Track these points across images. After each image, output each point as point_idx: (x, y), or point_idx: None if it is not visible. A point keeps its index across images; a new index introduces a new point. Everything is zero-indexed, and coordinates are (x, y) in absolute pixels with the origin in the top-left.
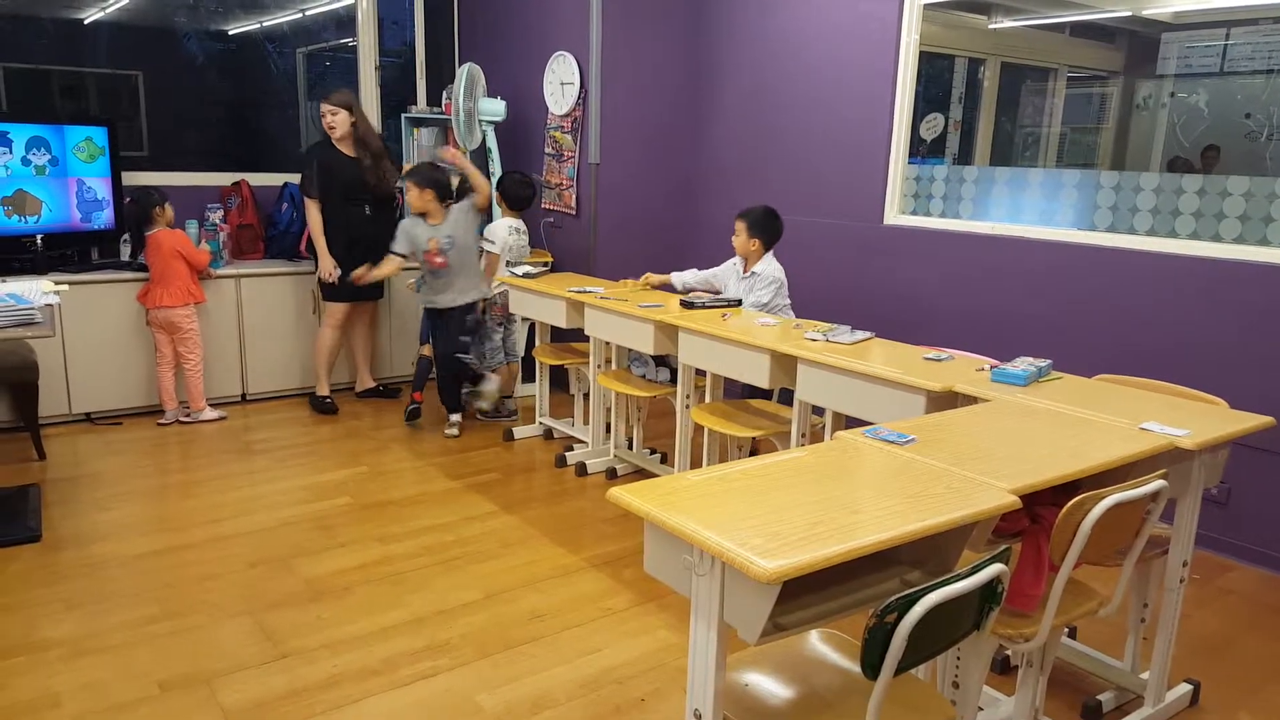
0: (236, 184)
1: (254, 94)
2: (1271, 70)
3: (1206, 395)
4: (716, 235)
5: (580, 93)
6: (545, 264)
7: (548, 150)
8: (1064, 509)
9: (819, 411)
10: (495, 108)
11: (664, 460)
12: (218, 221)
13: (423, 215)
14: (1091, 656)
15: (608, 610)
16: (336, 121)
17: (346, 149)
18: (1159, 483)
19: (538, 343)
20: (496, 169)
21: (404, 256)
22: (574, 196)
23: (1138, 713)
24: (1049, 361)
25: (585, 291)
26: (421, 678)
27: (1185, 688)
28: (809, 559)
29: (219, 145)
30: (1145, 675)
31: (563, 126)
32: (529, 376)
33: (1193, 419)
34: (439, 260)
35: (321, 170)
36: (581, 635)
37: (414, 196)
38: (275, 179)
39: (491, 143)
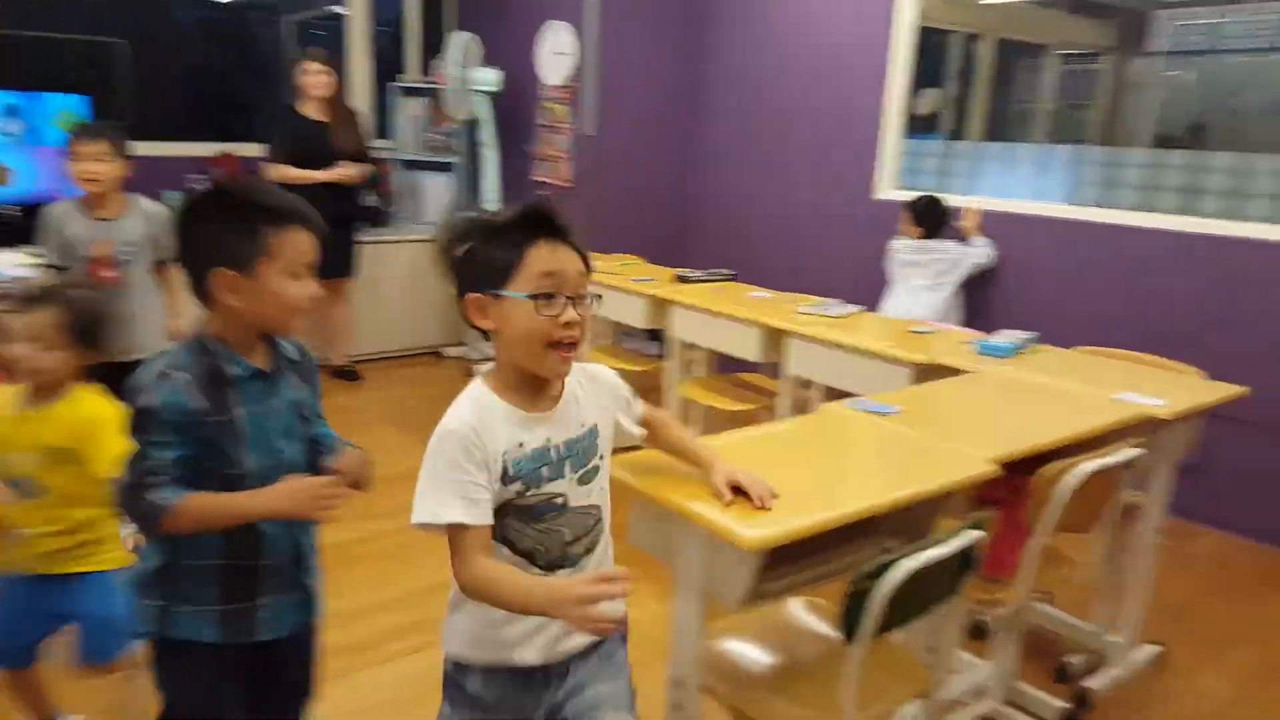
0: (223, 154)
1: (242, 63)
2: (1262, 49)
3: (1183, 365)
4: (715, 209)
5: (576, 64)
6: None
7: (542, 121)
8: (1041, 477)
9: (809, 385)
10: (489, 78)
11: None
12: None
13: None
14: (1065, 621)
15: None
16: (324, 83)
17: (316, 112)
18: (1134, 451)
19: None
20: (489, 140)
21: None
22: (568, 169)
23: (1106, 672)
24: (1034, 334)
25: None
26: (409, 653)
27: (1153, 649)
28: (791, 528)
29: (203, 115)
30: (1116, 638)
31: (557, 98)
32: None
33: (1169, 389)
34: None
35: (291, 140)
36: None
37: None
38: (262, 150)
39: (484, 113)
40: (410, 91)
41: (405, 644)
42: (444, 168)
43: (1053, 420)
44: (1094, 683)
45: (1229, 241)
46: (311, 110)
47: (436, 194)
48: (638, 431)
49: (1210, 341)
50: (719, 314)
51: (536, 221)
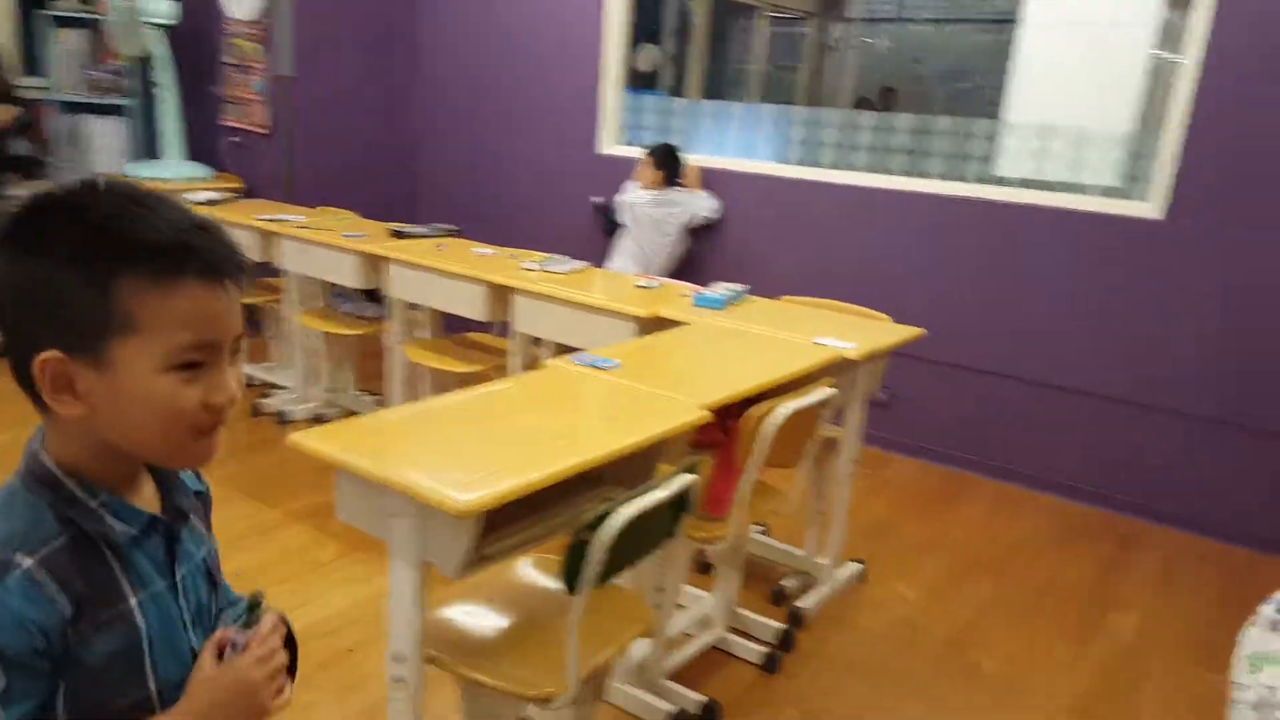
0: None
1: None
2: (938, 20)
3: (872, 311)
4: (434, 162)
5: None
6: (234, 190)
7: (229, 60)
8: (747, 419)
9: (540, 343)
10: (162, 9)
11: (381, 403)
12: None
13: None
14: (778, 548)
15: (313, 563)
16: None
17: None
18: (828, 390)
19: None
20: (167, 80)
21: None
22: (264, 113)
23: (816, 591)
24: (745, 286)
25: (279, 220)
26: None
27: (854, 566)
28: (508, 487)
29: None
30: (823, 559)
31: (246, 34)
32: None
33: (859, 333)
34: None
35: None
36: (284, 592)
37: None
38: None
39: (159, 49)
40: (65, 22)
41: None
42: (114, 110)
43: (759, 366)
44: (806, 602)
45: (911, 197)
46: None
47: (105, 140)
48: None
49: (898, 288)
50: (441, 271)
51: None
